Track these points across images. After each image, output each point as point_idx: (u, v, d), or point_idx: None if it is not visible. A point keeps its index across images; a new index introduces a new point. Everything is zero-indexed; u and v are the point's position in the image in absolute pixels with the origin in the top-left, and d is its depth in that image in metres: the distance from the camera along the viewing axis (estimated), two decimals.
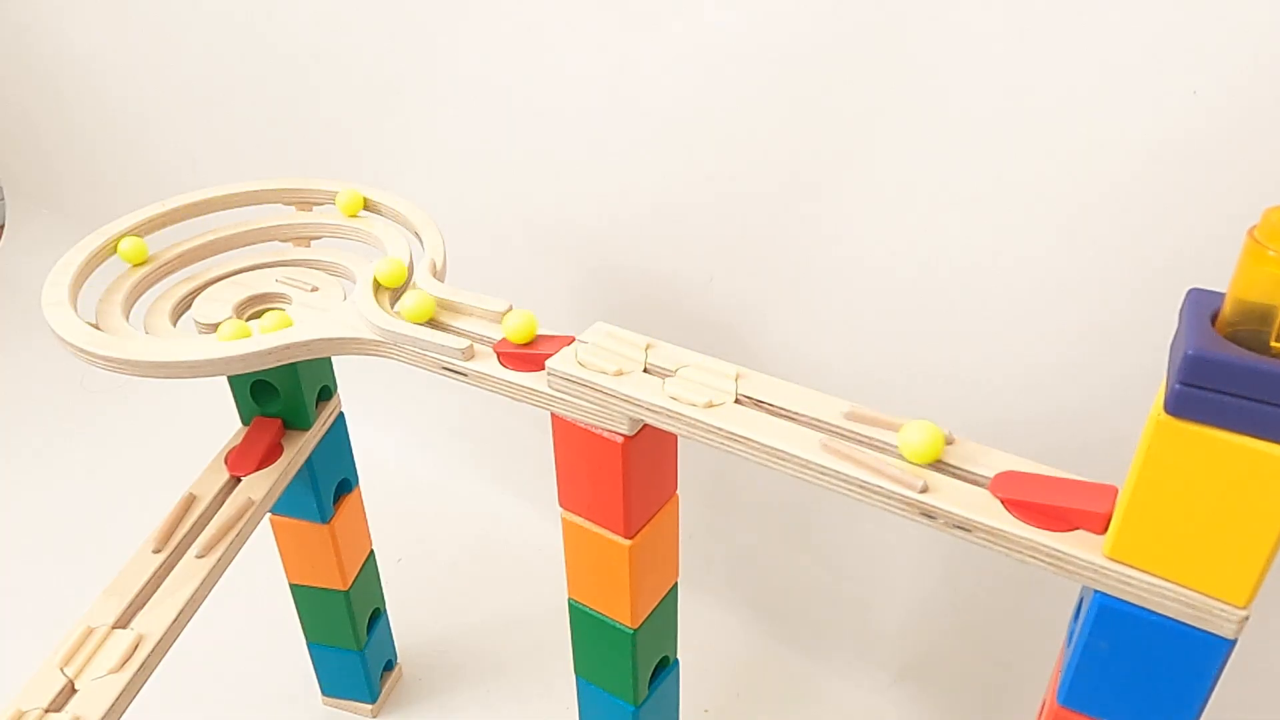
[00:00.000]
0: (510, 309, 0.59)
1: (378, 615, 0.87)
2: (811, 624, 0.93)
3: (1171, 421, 0.38)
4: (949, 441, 0.48)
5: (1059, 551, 0.43)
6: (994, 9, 0.62)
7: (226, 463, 0.68)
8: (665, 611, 0.67)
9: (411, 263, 0.67)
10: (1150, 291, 0.63)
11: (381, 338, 0.59)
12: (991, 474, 0.46)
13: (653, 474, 0.59)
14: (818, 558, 0.90)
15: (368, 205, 0.72)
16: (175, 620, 0.58)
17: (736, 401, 0.52)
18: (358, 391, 0.92)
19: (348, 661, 0.85)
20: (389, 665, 0.91)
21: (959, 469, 0.47)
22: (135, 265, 0.67)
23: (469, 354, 0.57)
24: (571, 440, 0.57)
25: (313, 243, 0.72)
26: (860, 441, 0.49)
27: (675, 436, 0.59)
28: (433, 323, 0.60)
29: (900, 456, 0.48)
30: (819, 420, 0.50)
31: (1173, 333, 0.39)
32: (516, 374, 0.56)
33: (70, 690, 0.53)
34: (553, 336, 0.57)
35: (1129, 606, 0.42)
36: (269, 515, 0.76)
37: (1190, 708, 0.43)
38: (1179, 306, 0.39)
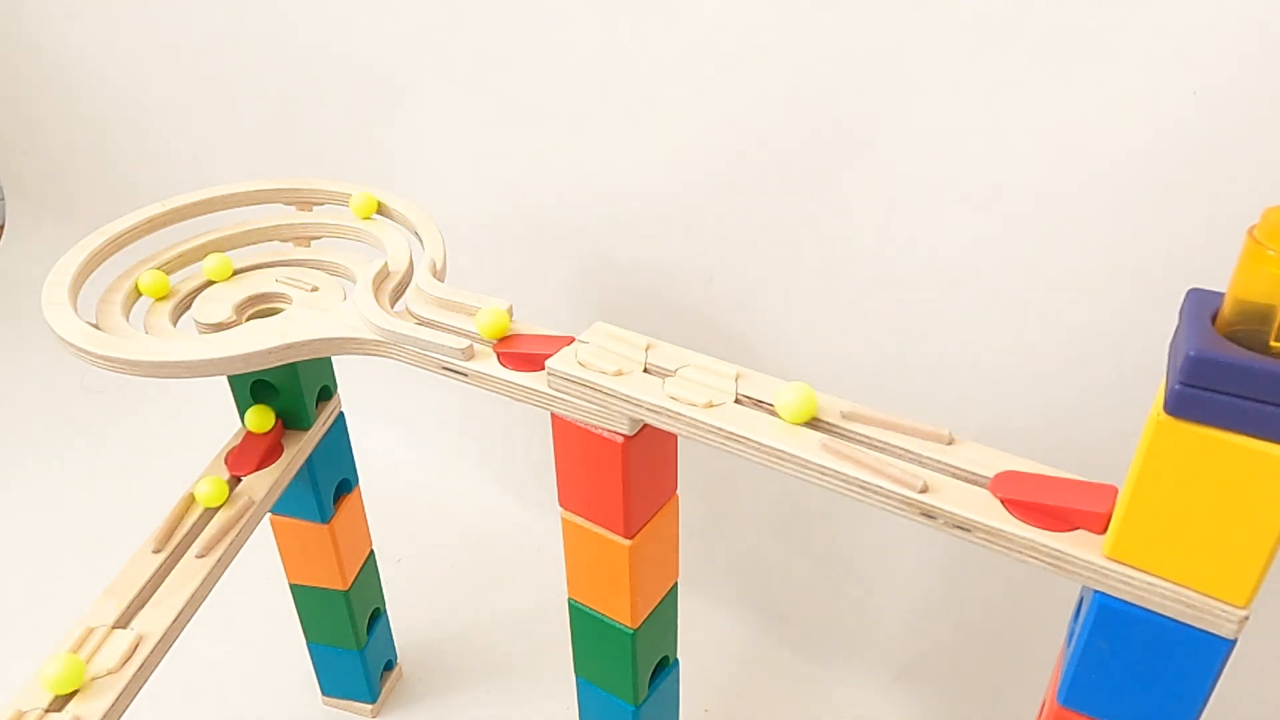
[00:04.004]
0: (510, 308, 0.59)
1: (378, 615, 0.87)
2: (811, 624, 0.93)
3: (1171, 421, 0.38)
4: (949, 441, 0.48)
5: (1059, 551, 0.43)
6: (995, 9, 0.62)
7: (226, 463, 0.68)
8: (665, 611, 0.67)
9: (412, 263, 0.67)
10: (1150, 291, 0.63)
11: (381, 338, 0.59)
12: (991, 474, 0.46)
13: (653, 474, 0.59)
14: (818, 557, 0.90)
15: (381, 209, 0.71)
16: (175, 620, 0.58)
17: (736, 401, 0.52)
18: (358, 391, 0.92)
19: (348, 661, 0.85)
20: (389, 665, 0.91)
21: (959, 469, 0.47)
22: (157, 300, 0.65)
23: (469, 354, 0.57)
24: (571, 440, 0.57)
25: (313, 243, 0.72)
26: (860, 441, 0.49)
27: (675, 436, 0.59)
28: (432, 322, 0.60)
29: (899, 455, 0.48)
30: (819, 420, 0.50)
31: (1172, 333, 0.39)
32: (516, 374, 0.56)
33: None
34: (552, 336, 0.57)
35: (1129, 606, 0.42)
36: (269, 515, 0.76)
37: (1190, 708, 0.43)
38: (1179, 306, 0.39)
